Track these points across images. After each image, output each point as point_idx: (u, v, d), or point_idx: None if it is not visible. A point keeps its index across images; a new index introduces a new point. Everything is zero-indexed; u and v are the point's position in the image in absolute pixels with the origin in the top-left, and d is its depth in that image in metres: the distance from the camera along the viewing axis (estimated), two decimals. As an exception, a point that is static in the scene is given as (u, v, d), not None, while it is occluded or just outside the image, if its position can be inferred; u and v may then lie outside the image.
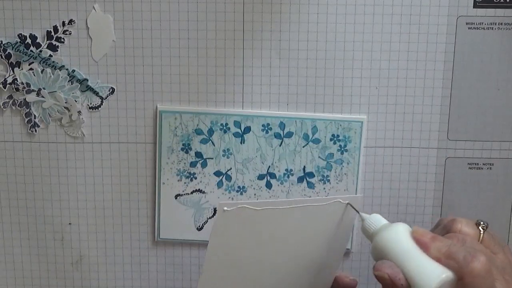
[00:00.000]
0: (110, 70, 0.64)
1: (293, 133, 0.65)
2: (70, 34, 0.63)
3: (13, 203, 0.68)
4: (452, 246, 0.46)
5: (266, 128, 0.65)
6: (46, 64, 0.64)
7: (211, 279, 0.49)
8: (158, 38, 0.63)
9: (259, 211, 0.47)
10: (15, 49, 0.63)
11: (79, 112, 0.65)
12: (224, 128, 0.65)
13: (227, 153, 0.66)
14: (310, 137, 0.65)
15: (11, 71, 0.64)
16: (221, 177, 0.67)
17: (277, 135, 0.65)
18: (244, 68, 0.64)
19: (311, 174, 0.66)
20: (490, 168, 0.66)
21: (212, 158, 0.66)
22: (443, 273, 0.45)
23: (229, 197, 0.67)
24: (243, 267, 0.50)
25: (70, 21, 0.63)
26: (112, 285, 0.70)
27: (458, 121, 0.65)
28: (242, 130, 0.65)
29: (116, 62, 0.64)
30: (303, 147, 0.66)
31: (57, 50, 0.64)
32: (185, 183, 0.67)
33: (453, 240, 0.47)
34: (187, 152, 0.66)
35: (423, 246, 0.46)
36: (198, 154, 0.66)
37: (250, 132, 0.65)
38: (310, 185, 0.66)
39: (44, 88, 0.64)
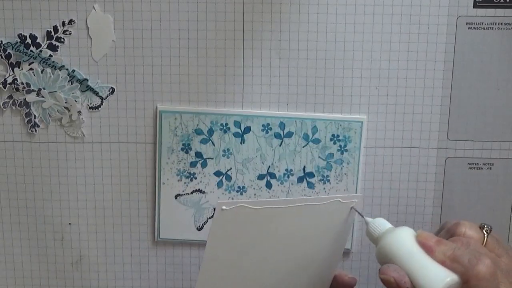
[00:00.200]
0: (110, 70, 0.64)
1: (293, 133, 0.65)
2: (70, 34, 0.63)
3: (13, 203, 0.68)
4: (457, 250, 0.46)
5: (266, 128, 0.65)
6: (46, 64, 0.64)
7: (209, 279, 0.49)
8: (158, 38, 0.63)
9: (258, 210, 0.47)
10: (15, 49, 0.63)
11: (79, 112, 0.65)
12: (224, 128, 0.65)
13: (227, 153, 0.66)
14: (310, 137, 0.65)
15: (11, 71, 0.64)
16: (221, 177, 0.67)
17: (277, 135, 0.65)
18: (244, 68, 0.64)
19: (311, 174, 0.66)
20: (490, 168, 0.66)
21: (212, 158, 0.66)
22: (448, 277, 0.45)
23: (229, 197, 0.67)
24: (242, 266, 0.50)
25: (70, 21, 0.63)
26: (112, 285, 0.70)
27: (458, 121, 0.65)
28: (242, 130, 0.65)
29: (116, 62, 0.64)
30: (303, 147, 0.66)
31: (57, 50, 0.64)
32: (185, 183, 0.67)
33: (457, 243, 0.47)
34: (187, 152, 0.66)
35: (428, 249, 0.47)
36: (198, 154, 0.66)
37: (250, 132, 0.65)
38: (310, 185, 0.66)
39: (44, 88, 0.64)
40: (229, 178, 0.67)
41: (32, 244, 0.69)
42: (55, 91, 0.64)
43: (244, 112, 0.65)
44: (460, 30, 0.63)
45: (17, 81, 0.64)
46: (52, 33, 0.63)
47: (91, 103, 0.65)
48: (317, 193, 0.66)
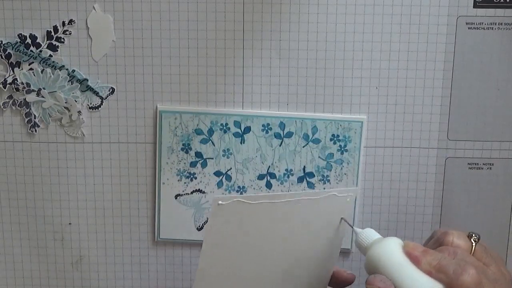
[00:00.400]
0: (110, 70, 0.64)
1: (293, 133, 0.65)
2: (70, 34, 0.63)
3: (13, 203, 0.68)
4: (443, 260, 0.47)
5: (266, 128, 0.65)
6: (46, 64, 0.64)
7: (208, 275, 0.49)
8: (158, 38, 0.63)
9: (254, 205, 0.47)
10: (15, 49, 0.63)
11: (79, 112, 0.65)
12: (224, 128, 0.65)
13: (227, 153, 0.66)
14: (310, 137, 0.65)
15: (11, 71, 0.64)
16: (221, 177, 0.67)
17: (277, 135, 0.65)
18: (244, 68, 0.64)
19: (311, 174, 0.66)
20: (490, 168, 0.66)
21: (212, 158, 0.66)
22: (433, 287, 0.46)
23: (229, 197, 0.67)
24: (240, 262, 0.50)
25: (70, 21, 0.63)
26: (112, 285, 0.70)
27: (458, 121, 0.65)
28: (242, 130, 0.65)
29: (116, 62, 0.64)
30: (303, 147, 0.66)
31: (57, 50, 0.64)
32: (185, 183, 0.67)
33: (444, 253, 0.48)
34: (187, 152, 0.66)
35: (414, 259, 0.47)
36: (198, 154, 0.66)
37: (250, 132, 0.65)
38: (310, 185, 0.66)
39: (44, 88, 0.64)
40: (229, 178, 0.67)
41: (32, 244, 0.69)
42: (55, 91, 0.64)
43: (244, 112, 0.65)
44: (460, 30, 0.63)
45: (17, 81, 0.64)
46: (52, 33, 0.63)
47: (91, 103, 0.65)
48: (317, 193, 0.67)
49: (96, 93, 0.65)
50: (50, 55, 0.64)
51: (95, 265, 0.70)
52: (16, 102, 0.65)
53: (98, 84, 0.65)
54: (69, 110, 0.65)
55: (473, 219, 0.67)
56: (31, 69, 0.64)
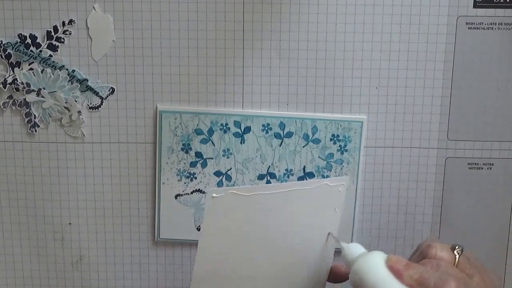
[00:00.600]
0: (110, 70, 0.64)
1: (293, 133, 0.65)
2: (70, 34, 0.63)
3: (13, 203, 0.68)
4: (425, 273, 0.47)
5: (266, 128, 0.65)
6: (46, 64, 0.64)
7: (205, 270, 0.49)
8: (158, 38, 0.63)
9: (248, 197, 0.48)
10: (15, 49, 0.63)
11: (79, 112, 0.65)
12: (224, 128, 0.65)
13: (227, 153, 0.66)
14: (310, 137, 0.65)
15: (11, 71, 0.64)
16: (221, 177, 0.67)
17: (277, 135, 0.65)
18: (244, 68, 0.64)
19: (311, 174, 0.66)
20: (490, 168, 0.66)
21: (212, 158, 0.66)
22: None
23: (229, 197, 0.67)
24: (237, 255, 0.50)
25: (70, 21, 0.63)
26: (112, 285, 0.70)
27: (458, 121, 0.65)
28: (242, 130, 0.65)
29: (116, 62, 0.64)
30: (303, 147, 0.66)
31: (57, 50, 0.64)
32: (185, 183, 0.67)
33: (427, 266, 0.48)
34: (187, 152, 0.66)
35: (396, 273, 0.48)
36: (198, 154, 0.66)
37: (250, 132, 0.65)
38: (310, 185, 0.66)
39: (44, 88, 0.64)
40: (229, 178, 0.67)
41: (32, 244, 0.69)
42: (55, 91, 0.64)
43: (244, 112, 0.65)
44: (460, 30, 0.63)
45: (17, 81, 0.64)
46: (52, 33, 0.63)
47: (91, 103, 0.65)
48: (317, 193, 0.66)
49: (96, 93, 0.65)
50: (50, 55, 0.64)
51: (95, 265, 0.70)
52: (16, 102, 0.65)
53: (98, 84, 0.65)
54: (69, 110, 0.65)
55: (473, 219, 0.67)
56: (31, 69, 0.64)
